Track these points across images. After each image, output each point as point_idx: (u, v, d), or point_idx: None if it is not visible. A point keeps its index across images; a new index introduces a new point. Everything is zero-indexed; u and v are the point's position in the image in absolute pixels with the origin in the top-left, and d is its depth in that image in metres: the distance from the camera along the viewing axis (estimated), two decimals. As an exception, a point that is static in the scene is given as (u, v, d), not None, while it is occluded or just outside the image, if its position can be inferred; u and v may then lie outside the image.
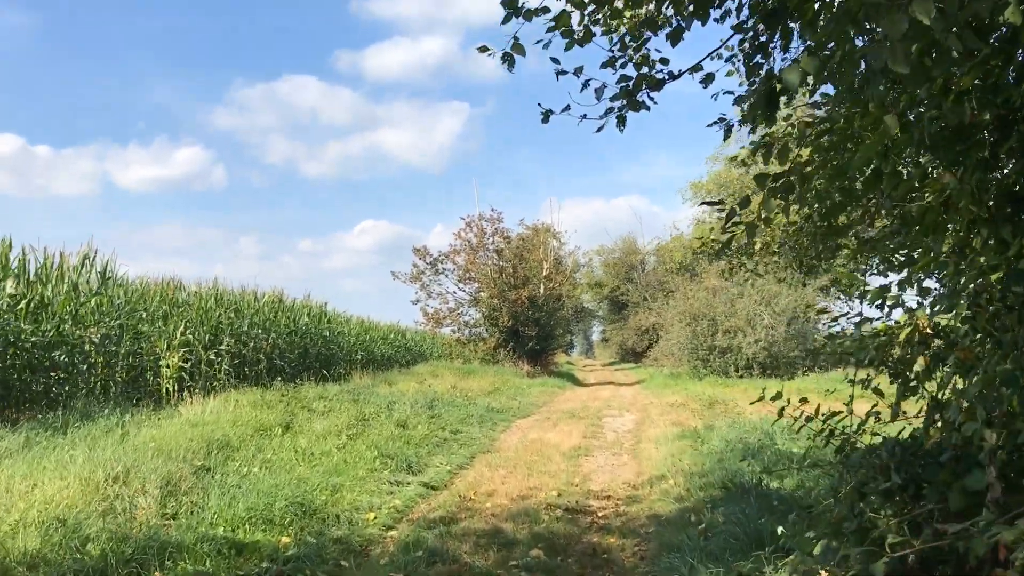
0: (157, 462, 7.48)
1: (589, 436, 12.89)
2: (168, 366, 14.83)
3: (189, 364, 15.69)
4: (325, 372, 21.46)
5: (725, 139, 5.25)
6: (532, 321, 33.48)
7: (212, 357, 16.54)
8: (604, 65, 5.15)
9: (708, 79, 5.12)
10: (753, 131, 5.25)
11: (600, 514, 7.52)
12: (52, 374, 11.34)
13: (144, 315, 15.40)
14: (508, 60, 4.68)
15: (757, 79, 5.04)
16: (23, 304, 10.85)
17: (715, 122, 5.33)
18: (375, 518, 7.06)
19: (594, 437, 12.86)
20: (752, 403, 4.81)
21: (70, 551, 5.10)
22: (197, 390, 15.08)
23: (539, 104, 5.19)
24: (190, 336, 15.95)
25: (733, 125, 5.23)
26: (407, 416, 13.01)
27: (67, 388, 11.49)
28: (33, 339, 10.73)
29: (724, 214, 3.64)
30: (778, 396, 4.32)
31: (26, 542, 5.14)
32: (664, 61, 5.12)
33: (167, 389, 14.61)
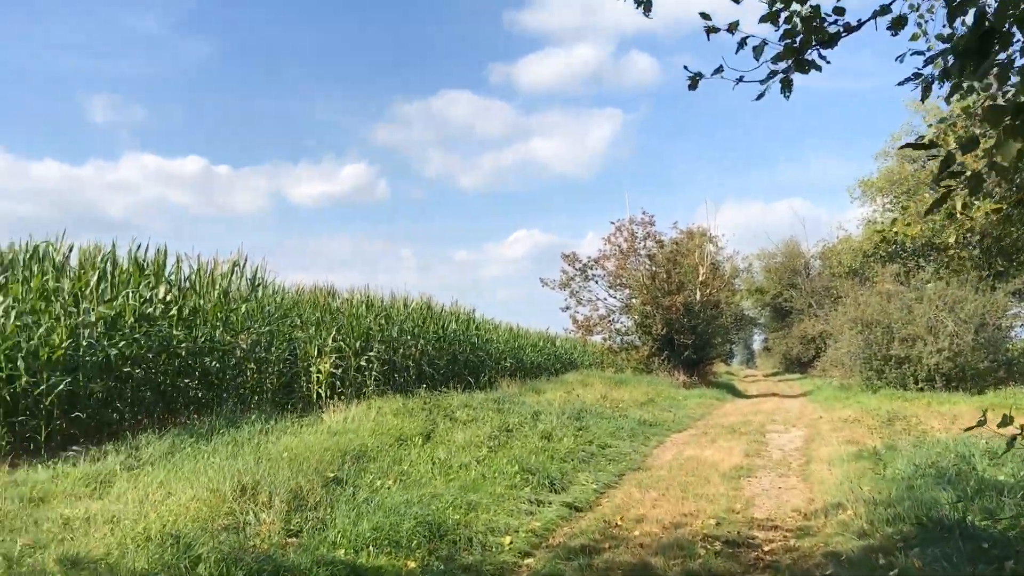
0: (288, 473, 7.18)
1: (752, 454, 11.77)
2: (319, 372, 14.92)
3: (340, 370, 15.77)
4: (472, 379, 21.20)
5: (924, 98, 4.28)
6: (688, 329, 32.11)
7: (362, 363, 16.56)
8: (763, 19, 4.32)
9: (898, 23, 4.17)
10: (956, 92, 4.27)
11: (766, 549, 6.55)
12: (204, 380, 11.48)
13: (298, 321, 15.60)
14: (644, 4, 3.95)
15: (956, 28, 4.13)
16: (175, 311, 11.03)
17: (908, 79, 4.36)
18: (511, 543, 6.42)
19: (757, 455, 11.73)
20: (968, 429, 3.79)
21: (178, 572, 4.75)
22: (346, 396, 15.09)
23: (685, 67, 4.41)
24: (341, 342, 16.03)
25: (932, 81, 4.24)
26: (552, 428, 12.37)
27: (217, 394, 11.60)
28: (184, 345, 10.88)
29: (931, 164, 2.73)
30: (1007, 421, 3.32)
31: (135, 562, 4.84)
32: (839, 11, 4.24)
33: (317, 395, 14.68)
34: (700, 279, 33.62)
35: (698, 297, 33.17)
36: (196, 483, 6.82)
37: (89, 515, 6.21)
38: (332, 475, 7.58)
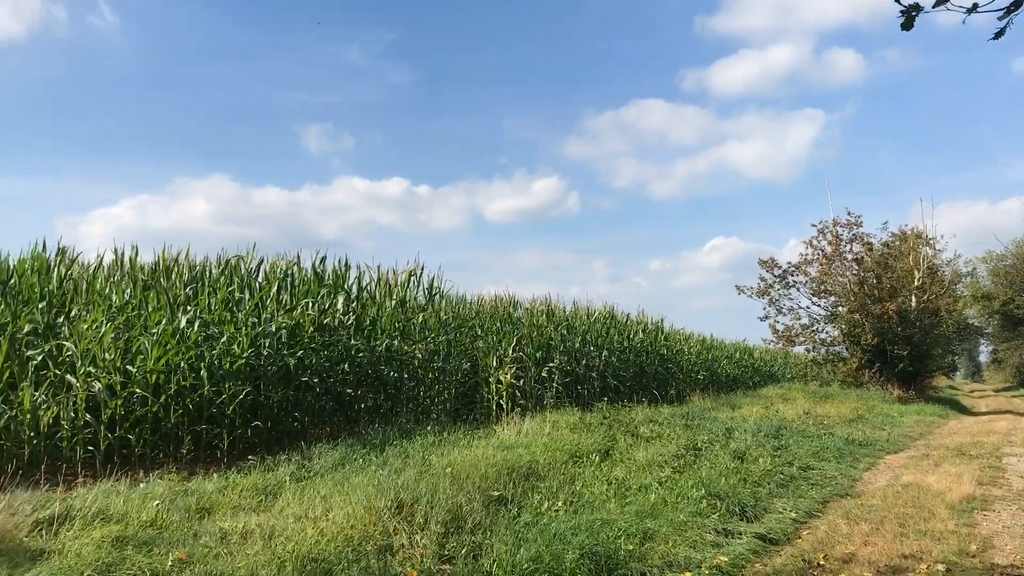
0: (449, 491, 6.73)
1: (986, 482, 10.09)
2: (500, 382, 14.62)
3: (521, 381, 15.41)
4: (659, 393, 20.21)
5: None
6: (902, 339, 29.27)
7: (543, 374, 16.11)
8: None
9: None
10: None
11: (1013, 606, 5.31)
12: (382, 390, 11.40)
13: (478, 331, 15.40)
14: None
15: None
16: (352, 320, 11.02)
17: None
18: (691, 582, 5.59)
19: (993, 484, 10.05)
20: None
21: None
22: (527, 408, 14.68)
23: (897, 1, 3.48)
24: (521, 353, 15.66)
25: None
26: (747, 446, 11.28)
27: (395, 404, 11.50)
28: (362, 355, 10.83)
29: None
30: None
31: (271, 585, 4.49)
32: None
33: (497, 406, 14.36)
34: (916, 284, 30.63)
35: (914, 304, 30.22)
36: (354, 499, 6.51)
37: (247, 529, 6.02)
38: (496, 494, 7.05)
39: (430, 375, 12.38)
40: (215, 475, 8.04)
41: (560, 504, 7.12)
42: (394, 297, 12.18)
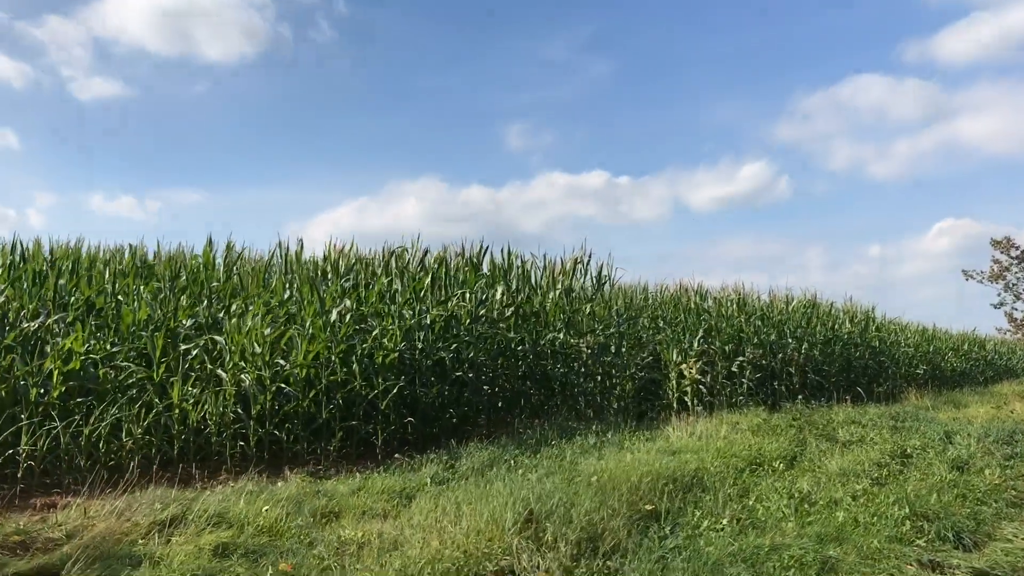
0: (592, 503, 5.93)
1: None
2: (683, 377, 13.57)
3: (708, 377, 14.25)
4: (868, 390, 18.15)
5: None
6: None
7: (733, 370, 14.83)
8: None
9: None
10: None
11: None
12: (545, 386, 10.75)
13: (660, 322, 14.42)
14: None
15: None
16: (510, 312, 10.43)
17: None
18: (879, 632, 4.46)
19: None
20: None
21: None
22: (714, 407, 13.54)
23: None
24: (708, 346, 14.50)
25: None
26: (969, 454, 9.56)
27: (560, 402, 10.81)
28: (520, 348, 10.23)
29: None
30: None
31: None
32: None
33: (679, 404, 13.31)
34: None
35: None
36: (486, 508, 5.87)
37: (367, 539, 5.55)
38: (649, 508, 6.16)
39: (600, 370, 11.57)
40: (358, 474, 7.72)
41: (725, 522, 6.10)
42: (558, 287, 11.48)
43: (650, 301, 15.88)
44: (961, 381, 24.13)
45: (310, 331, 8.53)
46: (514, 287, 10.89)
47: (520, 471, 7.40)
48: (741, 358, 14.60)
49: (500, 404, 10.15)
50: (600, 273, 12.04)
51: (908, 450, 9.60)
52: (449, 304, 9.84)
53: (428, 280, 9.73)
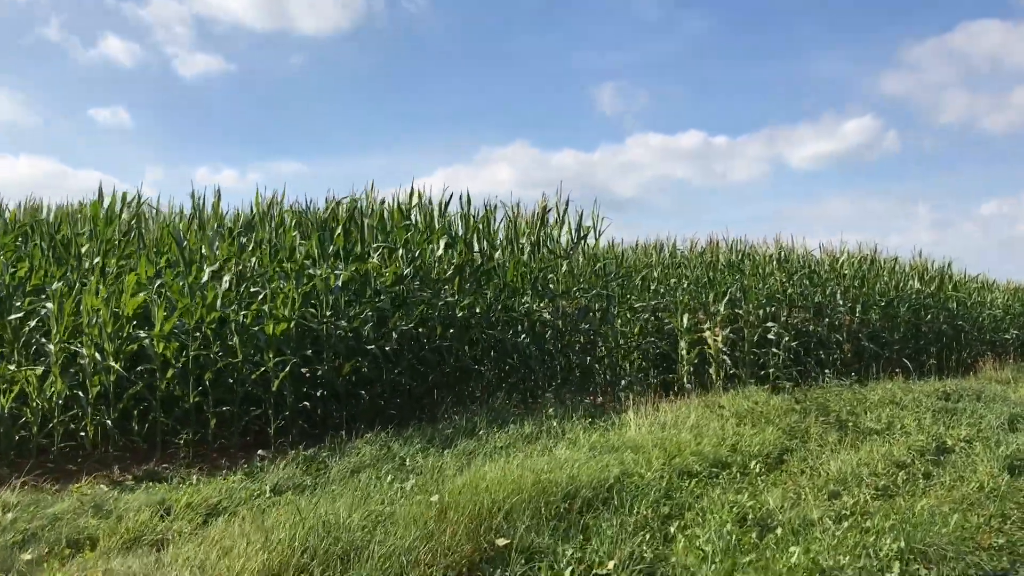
0: (411, 534, 4.15)
1: None
2: (694, 348, 11.54)
3: (738, 347, 12.17)
4: (926, 361, 15.59)
5: None
6: None
7: (770, 337, 12.66)
8: None
9: None
10: None
11: None
12: (504, 360, 8.95)
13: (672, 283, 12.40)
14: None
15: None
16: (452, 270, 8.60)
17: None
18: None
19: None
20: None
21: None
22: (742, 380, 11.51)
23: None
24: (734, 310, 12.39)
25: None
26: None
27: (521, 379, 8.99)
28: (462, 315, 8.43)
29: None
30: None
31: None
32: None
33: (686, 381, 11.30)
34: None
35: None
36: (275, 538, 4.17)
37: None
38: (502, 543, 4.32)
39: (580, 340, 9.66)
40: (202, 476, 6.13)
41: (610, 567, 4.22)
42: (522, 242, 9.55)
43: (669, 258, 13.78)
44: (1063, 348, 21.05)
45: (171, 296, 6.95)
46: (471, 240, 8.94)
47: (389, 479, 5.65)
48: (769, 323, 12.38)
49: (440, 382, 8.36)
50: (580, 224, 10.02)
51: (949, 442, 7.42)
52: (370, 261, 8.09)
53: (340, 232, 7.97)
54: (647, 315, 11.71)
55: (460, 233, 8.95)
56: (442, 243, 8.66)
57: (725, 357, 11.94)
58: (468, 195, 9.53)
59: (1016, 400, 10.20)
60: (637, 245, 14.50)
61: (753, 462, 6.31)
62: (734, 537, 4.68)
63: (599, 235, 10.18)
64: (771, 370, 12.17)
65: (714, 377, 11.90)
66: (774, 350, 12.20)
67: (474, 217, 9.25)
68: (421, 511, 4.45)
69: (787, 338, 12.66)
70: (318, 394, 7.69)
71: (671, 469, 5.88)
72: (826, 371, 11.71)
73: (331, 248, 7.96)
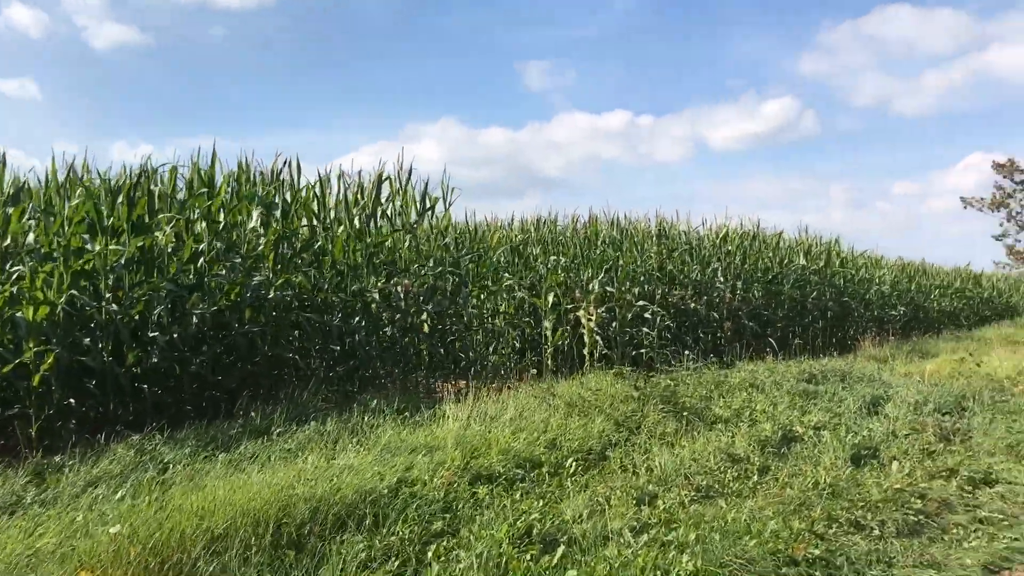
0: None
1: None
2: (555, 332, 10.83)
3: (610, 328, 11.49)
4: (830, 337, 15.30)
5: None
6: None
7: (647, 316, 12.03)
8: None
9: None
10: None
11: None
12: (324, 348, 8.03)
13: (539, 260, 11.66)
14: None
15: None
16: (263, 247, 7.61)
17: None
18: None
19: None
20: None
21: None
22: (615, 362, 10.88)
23: None
24: (610, 288, 11.72)
25: None
26: (885, 435, 6.86)
27: (353, 369, 8.09)
28: (272, 296, 7.46)
29: None
30: None
31: None
32: None
33: (551, 363, 10.58)
34: None
35: None
36: None
37: None
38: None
39: (418, 322, 8.80)
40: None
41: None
42: (355, 213, 8.61)
43: (549, 234, 13.05)
44: (953, 324, 21.25)
45: None
46: (279, 210, 7.93)
47: (120, 495, 4.71)
48: (643, 302, 11.76)
49: (251, 373, 7.39)
50: (426, 195, 9.13)
51: (800, 430, 6.85)
52: (161, 235, 7.06)
53: (123, 201, 6.89)
54: (522, 294, 10.96)
55: (282, 203, 7.92)
56: (254, 214, 7.66)
57: (598, 338, 11.29)
58: (298, 162, 8.54)
59: (886, 380, 9.79)
60: (513, 220, 13.70)
61: (570, 460, 5.57)
62: (505, 559, 3.91)
63: (449, 206, 9.34)
64: (644, 351, 11.57)
65: (587, 359, 11.26)
66: (645, 330, 11.57)
67: (312, 188, 8.26)
68: (92, 547, 3.53)
69: (663, 317, 12.07)
70: (94, 389, 6.64)
71: (467, 473, 5.09)
72: (686, 352, 11.10)
73: (111, 220, 6.88)
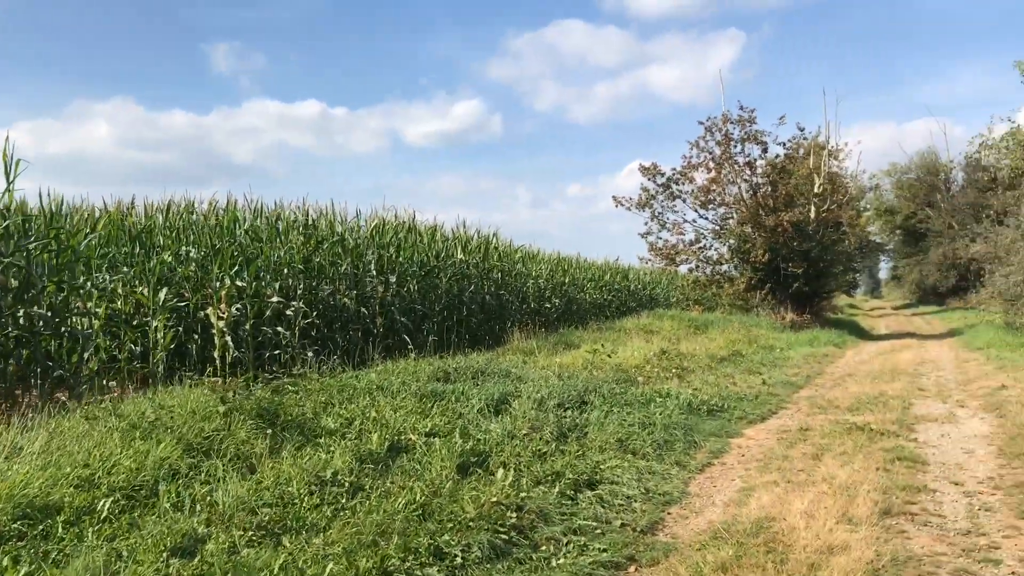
0: None
1: (897, 511, 5.44)
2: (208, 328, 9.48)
3: (247, 327, 10.25)
4: (489, 331, 15.30)
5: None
6: (798, 255, 25.12)
7: (288, 314, 10.97)
8: None
9: None
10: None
11: None
12: None
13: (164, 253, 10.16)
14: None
15: None
16: None
17: None
18: None
19: (909, 515, 5.40)
20: None
21: None
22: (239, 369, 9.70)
23: None
24: (240, 283, 10.50)
25: None
26: (501, 436, 6.51)
27: None
28: None
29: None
30: None
31: None
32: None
33: (163, 367, 9.18)
34: (815, 190, 26.20)
35: (813, 214, 25.88)
36: None
37: None
38: None
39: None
40: None
41: None
42: None
43: (180, 221, 11.51)
44: (602, 315, 22.57)
45: None
46: None
47: None
48: (278, 298, 10.72)
49: None
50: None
51: (413, 438, 6.25)
52: None
53: None
54: (122, 290, 9.39)
55: None
56: None
57: (228, 339, 10.07)
58: None
59: (520, 375, 9.66)
60: (134, 204, 11.94)
61: (105, 501, 4.41)
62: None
63: (11, 183, 7.57)
64: (279, 352, 10.54)
65: (217, 363, 10.01)
66: (279, 329, 10.55)
67: None
68: None
69: (307, 314, 11.14)
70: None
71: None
72: (308, 353, 10.31)
73: None
